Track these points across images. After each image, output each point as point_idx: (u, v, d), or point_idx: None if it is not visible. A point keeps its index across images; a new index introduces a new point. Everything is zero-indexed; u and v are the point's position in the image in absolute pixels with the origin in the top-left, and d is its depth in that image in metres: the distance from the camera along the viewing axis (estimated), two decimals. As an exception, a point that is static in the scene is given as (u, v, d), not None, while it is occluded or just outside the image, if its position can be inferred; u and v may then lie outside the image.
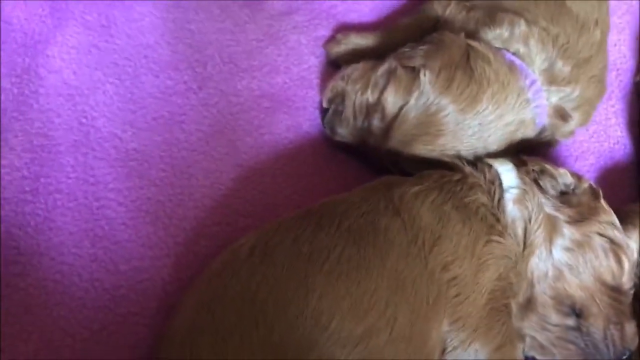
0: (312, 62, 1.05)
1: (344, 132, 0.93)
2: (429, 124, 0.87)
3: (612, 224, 0.83)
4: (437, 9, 1.03)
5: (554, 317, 0.80)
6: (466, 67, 0.88)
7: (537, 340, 0.82)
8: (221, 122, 0.95)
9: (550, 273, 0.80)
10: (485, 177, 0.84)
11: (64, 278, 0.79)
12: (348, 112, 0.92)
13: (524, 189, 0.83)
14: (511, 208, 0.82)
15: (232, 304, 0.69)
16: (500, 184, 0.83)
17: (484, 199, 0.82)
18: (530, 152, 0.95)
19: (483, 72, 0.88)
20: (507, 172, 0.85)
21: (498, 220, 0.80)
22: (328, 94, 0.95)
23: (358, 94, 0.92)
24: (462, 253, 0.77)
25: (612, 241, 0.82)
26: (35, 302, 0.77)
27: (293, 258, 0.72)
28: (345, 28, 1.09)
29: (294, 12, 1.08)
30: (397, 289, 0.72)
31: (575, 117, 0.96)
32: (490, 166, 0.86)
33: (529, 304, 0.81)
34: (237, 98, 0.98)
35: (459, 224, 0.78)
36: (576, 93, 0.94)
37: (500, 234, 0.79)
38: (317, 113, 1.01)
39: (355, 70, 0.94)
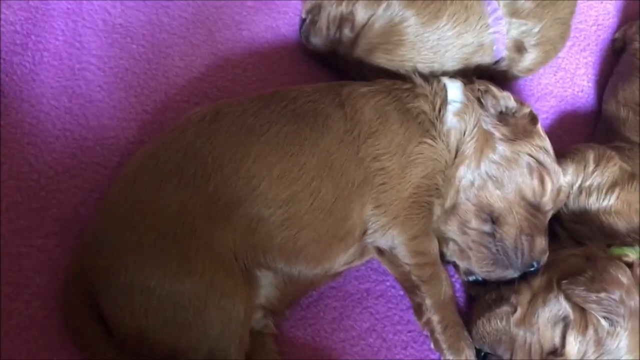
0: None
1: (317, 42, 1.00)
2: (391, 33, 0.94)
3: (544, 148, 0.89)
4: None
5: (473, 222, 0.87)
6: None
7: (458, 244, 0.89)
8: (204, 12, 1.03)
9: (476, 183, 0.87)
10: (432, 89, 0.90)
11: (39, 123, 0.88)
12: (322, 22, 0.99)
13: (466, 104, 0.89)
14: (450, 119, 0.88)
15: (175, 155, 0.77)
16: (445, 96, 0.90)
17: (426, 107, 0.88)
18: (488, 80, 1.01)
19: None
20: (454, 87, 0.91)
21: (434, 127, 0.87)
22: (307, 5, 1.01)
23: (333, 6, 0.98)
24: (394, 149, 0.84)
25: (539, 162, 0.87)
26: (11, 138, 0.86)
27: (237, 126, 0.80)
28: None
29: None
30: (325, 167, 0.80)
31: (534, 54, 1.01)
32: (439, 80, 0.92)
33: (453, 209, 0.88)
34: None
35: (396, 123, 0.85)
36: (537, 29, 0.99)
37: (433, 139, 0.86)
38: (297, 19, 1.07)
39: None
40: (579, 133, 1.13)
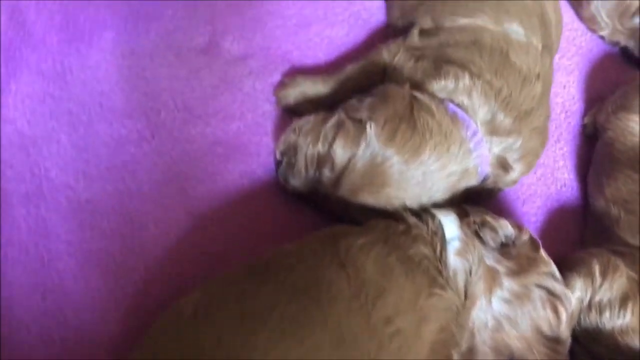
0: (267, 108, 1.07)
1: (296, 183, 0.95)
2: (375, 174, 0.90)
3: (551, 274, 0.86)
4: (386, 56, 1.06)
5: (494, 366, 0.83)
6: (410, 119, 0.91)
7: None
8: (174, 169, 0.97)
9: (490, 324, 0.83)
10: (428, 228, 0.87)
11: (12, 333, 0.80)
12: (300, 164, 0.95)
13: (465, 241, 0.86)
14: (453, 260, 0.85)
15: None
16: (443, 235, 0.86)
17: (426, 250, 0.84)
18: (475, 199, 0.99)
19: (426, 123, 0.91)
20: (449, 224, 0.87)
21: (440, 272, 0.83)
22: (281, 146, 0.97)
23: (309, 146, 0.94)
24: (405, 307, 0.79)
25: (550, 292, 0.85)
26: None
27: (236, 316, 0.74)
28: (300, 73, 1.11)
29: (249, 58, 1.10)
30: (339, 345, 0.74)
31: (518, 168, 0.99)
32: (433, 217, 0.88)
33: (469, 353, 0.84)
34: (191, 145, 1.00)
35: (402, 276, 0.81)
36: (518, 144, 0.97)
37: (442, 287, 0.82)
38: (271, 159, 1.03)
39: (306, 122, 0.97)
40: (571, 231, 1.11)
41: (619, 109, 1.14)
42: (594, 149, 1.19)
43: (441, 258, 0.84)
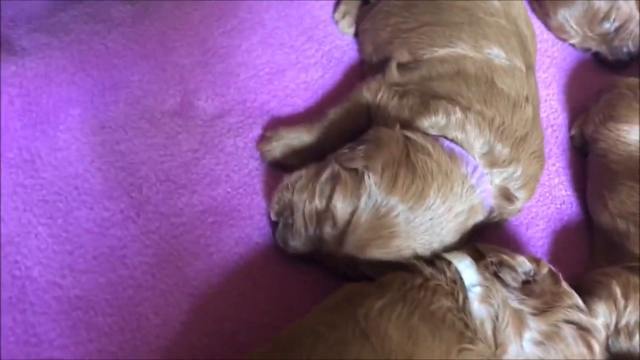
0: (253, 165, 1.02)
1: (297, 244, 0.90)
2: (381, 226, 0.85)
3: (576, 306, 0.83)
4: (368, 95, 1.02)
5: (534, 413, 0.79)
6: (408, 163, 0.87)
7: None
8: (165, 248, 0.91)
9: (524, 370, 0.79)
10: (446, 277, 0.82)
11: None
12: (298, 223, 0.90)
13: (487, 286, 0.82)
14: (477, 308, 0.80)
15: None
16: (462, 283, 0.82)
17: (448, 302, 0.80)
18: (481, 233, 0.95)
19: (425, 165, 0.87)
20: (467, 269, 0.83)
21: (466, 324, 0.79)
22: (275, 207, 0.92)
23: (306, 203, 0.89)
24: (436, 368, 0.74)
25: (579, 326, 0.81)
26: None
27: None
28: (281, 124, 1.06)
29: (226, 114, 1.05)
30: None
31: (521, 196, 0.96)
32: (449, 264, 0.84)
33: (509, 403, 0.80)
34: (179, 218, 0.94)
35: (428, 337, 0.76)
36: (519, 172, 0.94)
37: (471, 341, 0.77)
38: (265, 220, 0.97)
39: (299, 178, 0.92)
40: (579, 248, 1.08)
41: (606, 119, 1.12)
42: (585, 160, 1.17)
43: (464, 308, 0.80)
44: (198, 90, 1.05)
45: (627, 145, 1.08)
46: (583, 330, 0.81)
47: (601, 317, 0.90)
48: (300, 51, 1.14)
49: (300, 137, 1.01)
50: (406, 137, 0.90)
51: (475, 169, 0.90)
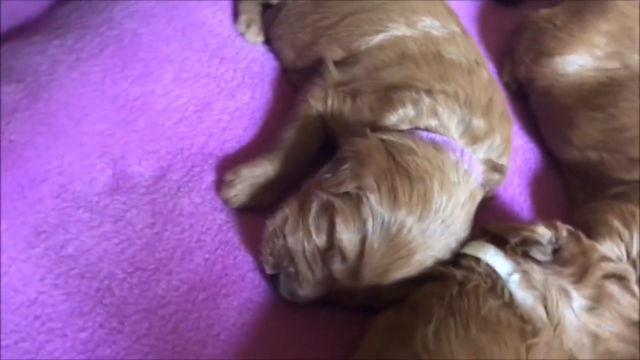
0: (221, 219, 0.90)
1: (307, 292, 0.81)
2: (397, 247, 0.79)
3: (607, 257, 0.82)
4: (316, 105, 0.94)
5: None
6: (399, 169, 0.80)
7: None
8: (167, 349, 0.78)
9: (586, 341, 0.77)
10: (480, 275, 0.78)
11: None
12: (303, 268, 0.80)
13: (523, 270, 0.78)
14: (522, 296, 0.77)
15: None
16: (498, 275, 0.78)
17: (494, 301, 0.75)
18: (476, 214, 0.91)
19: (416, 166, 0.81)
20: (495, 259, 0.79)
21: (522, 318, 0.74)
22: (269, 259, 0.82)
23: (304, 244, 0.80)
24: (513, 373, 0.70)
25: (617, 277, 0.80)
26: None
27: None
28: (230, 161, 0.95)
29: (167, 172, 0.91)
30: None
31: (505, 162, 0.93)
32: (476, 259, 0.79)
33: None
34: (167, 308, 0.81)
35: (494, 346, 0.71)
36: (498, 140, 0.91)
37: (534, 333, 0.73)
38: (258, 275, 0.87)
39: (284, 219, 0.82)
40: (554, 190, 1.08)
41: (537, 57, 1.12)
42: (527, 103, 1.17)
43: (512, 301, 0.76)
44: (126, 155, 0.90)
45: (566, 77, 1.08)
46: (622, 280, 0.80)
47: (612, 255, 0.89)
48: (219, 76, 1.02)
49: (264, 171, 0.91)
50: (382, 140, 0.83)
51: (462, 152, 0.85)
